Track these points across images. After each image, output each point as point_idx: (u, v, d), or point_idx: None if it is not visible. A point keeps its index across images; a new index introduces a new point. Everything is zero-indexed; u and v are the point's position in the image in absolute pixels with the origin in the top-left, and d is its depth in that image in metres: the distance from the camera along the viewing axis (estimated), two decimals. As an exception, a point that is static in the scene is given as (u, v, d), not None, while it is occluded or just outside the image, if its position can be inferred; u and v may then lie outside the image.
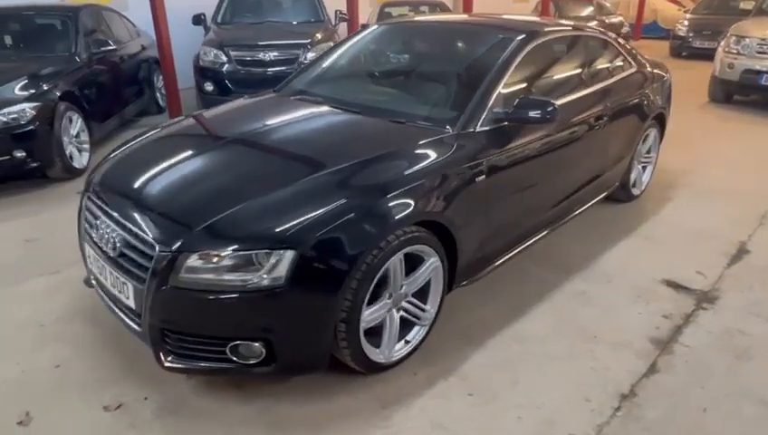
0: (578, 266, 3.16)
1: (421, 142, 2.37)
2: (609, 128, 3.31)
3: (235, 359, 1.94)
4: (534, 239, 2.97)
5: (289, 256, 1.84)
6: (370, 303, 2.08)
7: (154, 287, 1.90)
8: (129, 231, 2.04)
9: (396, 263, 2.11)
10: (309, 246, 1.87)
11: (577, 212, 3.31)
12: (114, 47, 5.51)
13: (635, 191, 4.07)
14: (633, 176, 3.97)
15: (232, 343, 1.92)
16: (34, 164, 4.20)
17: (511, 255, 2.79)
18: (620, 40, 3.91)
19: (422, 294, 2.35)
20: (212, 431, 2.01)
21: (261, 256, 1.84)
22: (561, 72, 3.21)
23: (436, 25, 3.46)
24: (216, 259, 1.85)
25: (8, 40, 5.22)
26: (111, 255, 2.08)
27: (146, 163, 2.39)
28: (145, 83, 6.49)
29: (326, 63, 3.35)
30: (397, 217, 2.04)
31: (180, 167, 2.33)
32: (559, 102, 2.81)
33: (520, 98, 2.56)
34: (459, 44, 3.20)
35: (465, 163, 2.34)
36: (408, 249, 2.13)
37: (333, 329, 1.99)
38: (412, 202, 2.11)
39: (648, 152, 4.13)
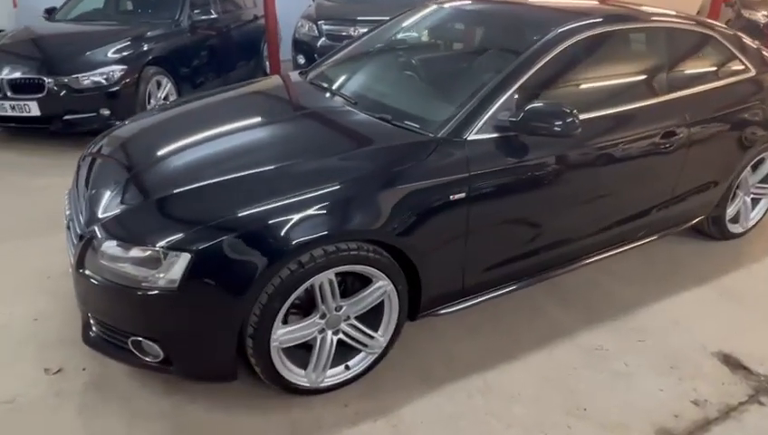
0: (609, 314, 2.60)
1: (384, 146, 2.07)
2: (689, 147, 2.64)
3: (137, 354, 1.89)
4: (547, 275, 2.49)
5: (184, 258, 1.71)
6: (296, 320, 1.91)
7: (75, 267, 1.90)
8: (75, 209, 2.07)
9: (324, 281, 1.87)
10: (205, 251, 1.72)
11: (623, 248, 2.72)
12: (216, 16, 5.76)
13: (735, 228, 3.25)
14: (733, 209, 3.17)
15: (133, 338, 1.86)
16: (117, 123, 4.56)
17: (504, 291, 2.36)
18: (745, 37, 3.09)
19: (375, 318, 2.08)
20: (120, 416, 1.99)
21: (161, 255, 1.73)
22: (617, 76, 2.60)
23: (479, 10, 3.00)
24: (121, 250, 1.79)
25: (129, 5, 5.74)
26: (65, 223, 2.15)
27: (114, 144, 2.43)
28: (253, 51, 6.75)
29: (356, 48, 3.10)
30: (318, 234, 1.80)
31: (128, 154, 2.33)
32: (598, 113, 2.31)
33: (531, 105, 2.10)
34: (490, 34, 2.75)
35: (438, 177, 1.99)
36: (343, 268, 1.88)
37: (238, 342, 1.84)
38: (342, 217, 1.84)
39: (765, 182, 3.26)
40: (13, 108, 4.37)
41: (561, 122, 2.04)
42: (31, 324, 2.46)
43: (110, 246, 1.80)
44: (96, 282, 1.82)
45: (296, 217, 1.79)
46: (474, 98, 2.16)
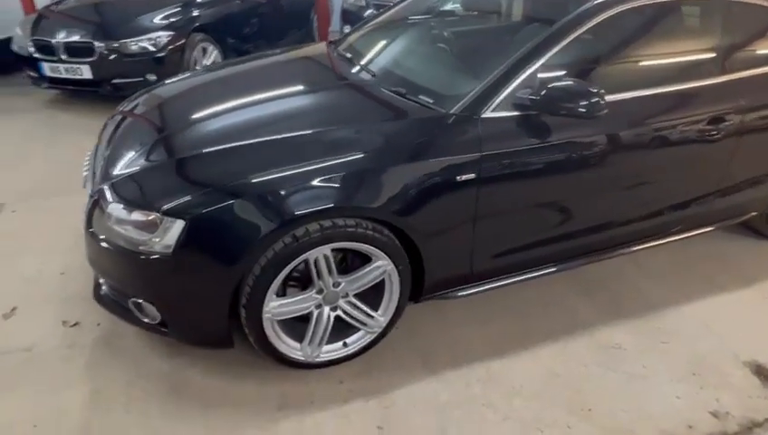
0: (633, 311, 2.44)
1: (392, 121, 1.99)
2: (742, 136, 2.39)
3: (138, 315, 1.94)
4: (568, 265, 2.35)
5: (179, 225, 1.72)
6: (294, 293, 1.91)
7: (84, 226, 1.96)
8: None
9: (319, 257, 1.84)
10: (199, 219, 1.72)
11: (657, 242, 2.52)
12: (268, -15, 5.75)
13: (794, 229, 2.95)
14: (794, 208, 2.87)
15: (133, 299, 1.91)
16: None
17: (517, 279, 2.26)
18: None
19: (376, 298, 2.04)
20: (123, 372, 2.07)
21: (158, 220, 1.75)
22: (661, 54, 2.36)
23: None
24: (125, 213, 1.82)
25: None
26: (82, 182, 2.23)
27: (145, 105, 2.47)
28: (303, 20, 6.73)
29: (384, 19, 2.99)
30: (313, 208, 1.75)
31: (162, 115, 2.36)
32: (632, 93, 2.13)
33: (554, 83, 1.95)
34: (524, 5, 2.57)
35: (446, 155, 1.90)
36: (339, 245, 1.84)
37: (232, 310, 1.85)
38: (340, 192, 1.79)
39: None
40: (67, 70, 4.57)
41: (585, 102, 1.89)
42: (58, 278, 2.59)
43: (116, 208, 1.84)
44: (101, 242, 1.87)
45: (293, 190, 1.76)
46: (493, 73, 2.02)
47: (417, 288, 2.10)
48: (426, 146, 1.91)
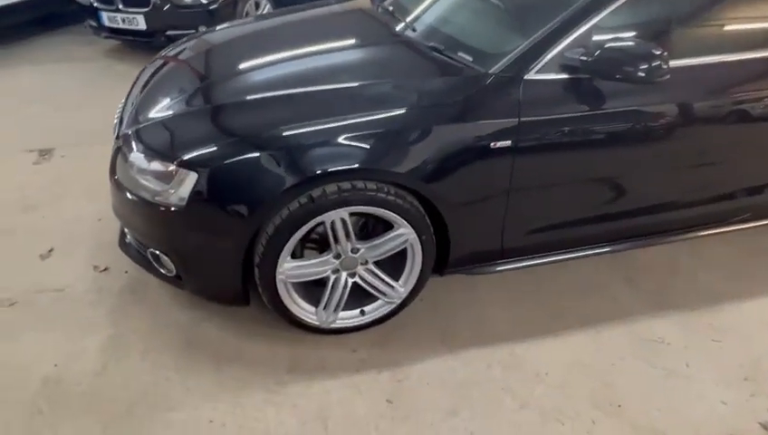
0: (683, 303, 2.23)
1: (426, 79, 1.86)
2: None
3: (156, 266, 1.95)
4: (614, 248, 2.18)
5: (192, 177, 1.69)
6: (306, 256, 1.88)
7: (109, 173, 1.98)
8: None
9: (336, 220, 1.77)
10: (213, 172, 1.69)
11: (719, 230, 2.29)
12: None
13: None
14: None
15: (151, 250, 1.92)
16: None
17: (554, 259, 2.12)
18: None
19: (398, 267, 1.97)
20: (144, 321, 2.11)
21: (174, 172, 1.72)
22: (742, 16, 2.05)
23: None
24: (146, 161, 1.81)
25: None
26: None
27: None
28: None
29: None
30: (331, 168, 1.68)
31: (207, 62, 2.34)
32: (701, 59, 1.89)
33: (611, 43, 1.75)
34: None
35: (479, 120, 1.76)
36: (357, 209, 1.76)
37: (246, 269, 1.82)
38: (361, 153, 1.70)
39: None
40: (123, 20, 4.66)
41: (646, 66, 1.68)
42: (94, 224, 2.67)
43: (138, 158, 1.83)
44: (123, 191, 1.87)
45: (317, 146, 1.70)
46: (541, 29, 1.83)
47: (443, 261, 1.99)
48: (458, 108, 1.78)
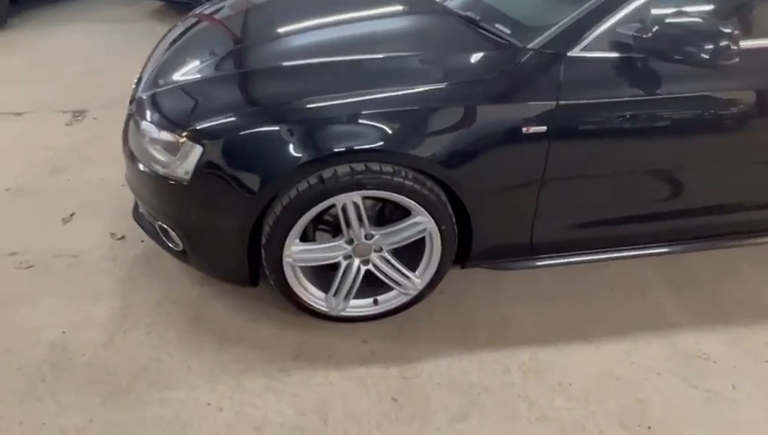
0: (735, 317, 2.04)
1: (455, 53, 1.73)
2: None
3: (164, 239, 1.93)
4: (659, 252, 2.01)
5: (197, 151, 1.63)
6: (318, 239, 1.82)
7: (122, 141, 1.95)
8: None
9: (348, 204, 1.68)
10: (219, 146, 1.63)
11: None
12: None
13: None
14: None
15: (159, 223, 1.89)
16: None
17: (589, 258, 1.97)
18: None
19: (416, 257, 1.87)
20: (154, 293, 2.11)
21: (180, 144, 1.67)
22: None
23: None
24: (156, 131, 1.76)
25: None
26: None
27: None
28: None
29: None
30: (345, 147, 1.60)
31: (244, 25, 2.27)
32: None
33: (672, 18, 1.55)
34: None
35: (511, 101, 1.63)
36: (371, 193, 1.67)
37: (252, 250, 1.78)
38: (379, 133, 1.61)
39: None
40: (165, -17, 4.65)
41: (711, 46, 1.48)
42: (117, 190, 2.68)
43: (149, 127, 1.78)
44: (134, 161, 1.84)
45: (330, 122, 1.63)
46: (590, 0, 1.65)
47: (465, 252, 1.89)
48: (489, 87, 1.64)
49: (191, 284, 2.14)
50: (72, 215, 2.52)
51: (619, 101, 1.66)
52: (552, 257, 1.97)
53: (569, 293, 2.12)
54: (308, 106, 1.64)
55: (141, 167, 1.79)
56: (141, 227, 2.08)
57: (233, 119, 1.65)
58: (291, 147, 1.60)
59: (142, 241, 2.34)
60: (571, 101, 1.62)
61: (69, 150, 2.99)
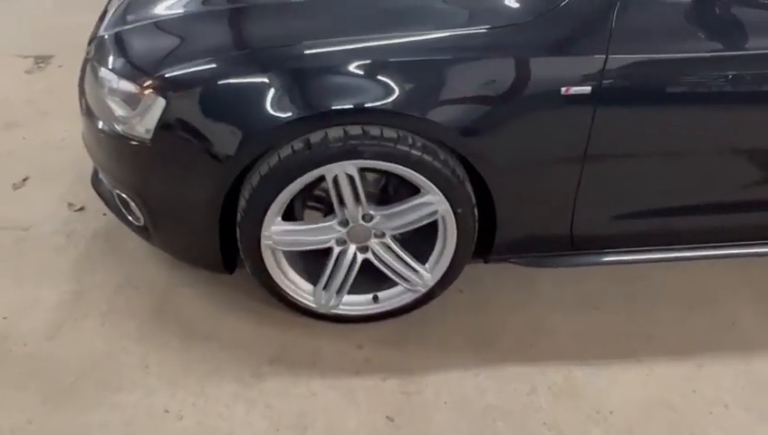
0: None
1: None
2: None
3: (124, 211, 1.98)
4: (740, 253, 1.99)
5: (160, 105, 1.66)
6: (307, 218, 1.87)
7: (79, 94, 2.00)
8: None
9: (341, 175, 1.69)
10: (185, 99, 1.66)
11: None
12: None
13: None
14: None
15: (117, 192, 1.94)
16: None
17: (648, 258, 1.99)
18: None
19: (428, 247, 1.89)
20: (113, 276, 2.18)
21: (141, 96, 1.71)
22: None
23: None
24: (115, 79, 1.79)
25: None
26: None
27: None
28: None
29: None
30: (333, 105, 1.62)
31: None
32: None
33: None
34: None
35: (545, 54, 1.63)
36: (369, 163, 1.68)
37: (223, 229, 1.81)
38: (381, 89, 1.61)
39: None
40: None
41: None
42: (78, 150, 2.69)
43: (108, 74, 1.81)
44: (91, 117, 1.88)
45: (329, 73, 1.65)
46: None
47: (489, 243, 1.90)
48: (520, 35, 1.63)
49: (158, 267, 2.20)
50: (24, 180, 2.60)
51: (689, 58, 1.63)
52: (598, 254, 1.98)
53: (619, 299, 2.11)
54: (305, 52, 1.67)
55: (100, 124, 1.83)
56: (100, 197, 2.14)
57: (211, 65, 1.68)
58: (275, 102, 1.62)
59: (104, 214, 2.39)
60: (625, 55, 1.59)
61: (26, 103, 3.09)
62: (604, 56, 1.57)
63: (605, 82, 1.59)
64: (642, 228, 1.92)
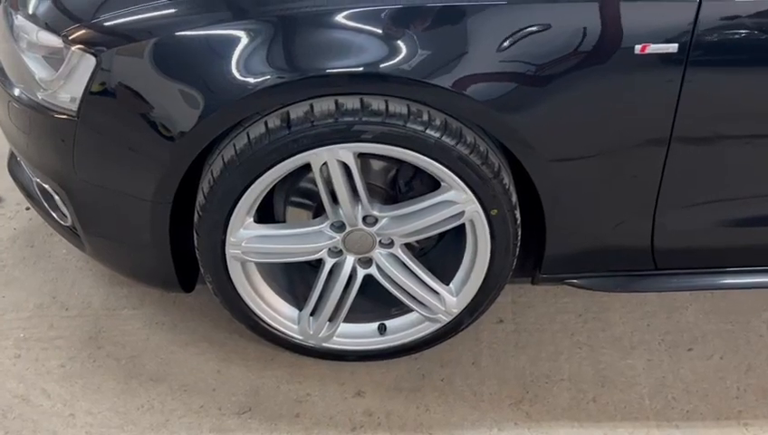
0: None
1: None
2: None
3: (46, 205, 2.01)
4: None
5: (89, 64, 1.66)
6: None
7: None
8: None
9: (332, 163, 1.68)
10: (121, 58, 1.65)
11: None
12: None
13: None
14: None
15: (36, 180, 1.97)
16: None
17: (755, 281, 2.03)
18: None
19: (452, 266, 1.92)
20: (37, 291, 2.24)
21: (64, 51, 1.71)
22: None
23: None
24: (32, 29, 1.80)
25: None
26: None
27: None
28: None
29: None
30: (323, 67, 1.62)
31: None
32: None
33: None
34: None
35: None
36: (369, 147, 1.68)
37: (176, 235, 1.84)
38: (376, 45, 1.61)
39: None
40: None
41: None
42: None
43: (24, 23, 1.82)
44: (2, 79, 1.89)
45: (310, 25, 1.65)
46: None
47: (537, 258, 1.94)
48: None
49: (96, 281, 2.24)
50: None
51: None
52: (691, 276, 1.99)
53: (716, 337, 2.13)
54: None
55: (17, 92, 1.84)
56: (19, 188, 2.18)
57: (167, 10, 1.68)
58: (248, 61, 1.61)
59: (27, 208, 2.44)
60: (725, 1, 1.57)
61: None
62: (697, 2, 1.55)
63: (699, 36, 1.57)
64: (749, 240, 1.94)
